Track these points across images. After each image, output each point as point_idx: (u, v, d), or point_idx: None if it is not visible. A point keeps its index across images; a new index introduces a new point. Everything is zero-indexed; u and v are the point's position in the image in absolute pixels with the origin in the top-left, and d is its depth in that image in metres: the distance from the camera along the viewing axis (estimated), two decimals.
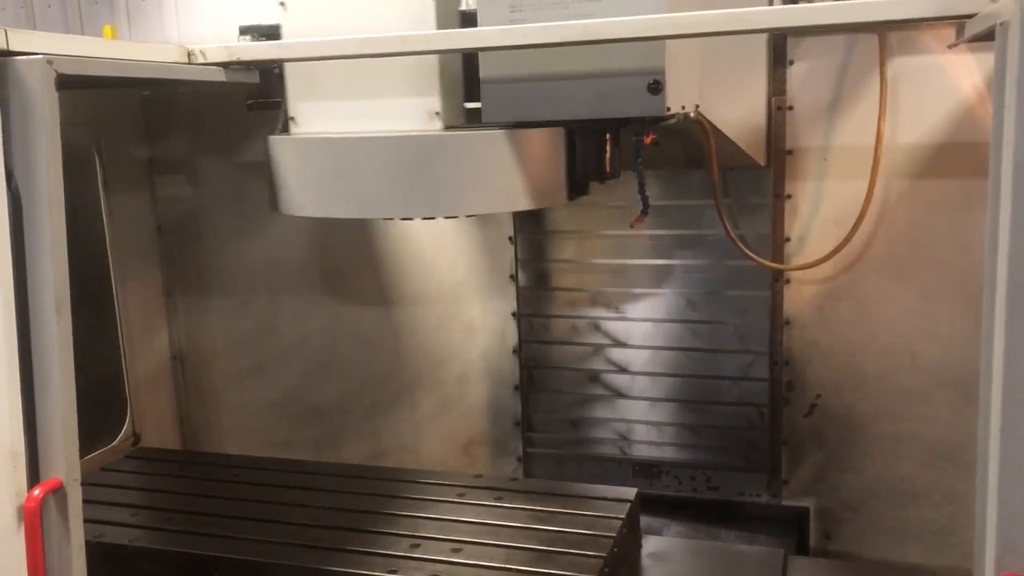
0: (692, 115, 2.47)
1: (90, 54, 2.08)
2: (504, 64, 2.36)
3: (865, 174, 3.01)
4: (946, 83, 2.94)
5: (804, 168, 3.15)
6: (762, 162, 3.11)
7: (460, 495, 3.06)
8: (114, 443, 3.70)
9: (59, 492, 1.91)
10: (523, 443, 3.71)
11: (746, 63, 3.03)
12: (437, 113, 2.42)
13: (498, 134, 2.35)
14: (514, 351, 3.65)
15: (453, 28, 2.40)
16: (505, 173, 2.37)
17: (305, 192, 2.46)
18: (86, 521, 1.98)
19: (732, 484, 3.47)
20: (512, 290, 3.61)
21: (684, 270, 3.39)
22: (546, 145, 2.46)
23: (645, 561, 3.00)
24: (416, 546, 2.71)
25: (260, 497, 3.12)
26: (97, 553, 2.20)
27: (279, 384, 4.00)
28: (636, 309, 3.47)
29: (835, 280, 3.19)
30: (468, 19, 2.46)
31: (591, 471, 3.62)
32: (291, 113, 2.60)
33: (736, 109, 2.95)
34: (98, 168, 3.67)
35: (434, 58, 2.39)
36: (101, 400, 3.74)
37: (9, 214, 1.84)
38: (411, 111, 2.44)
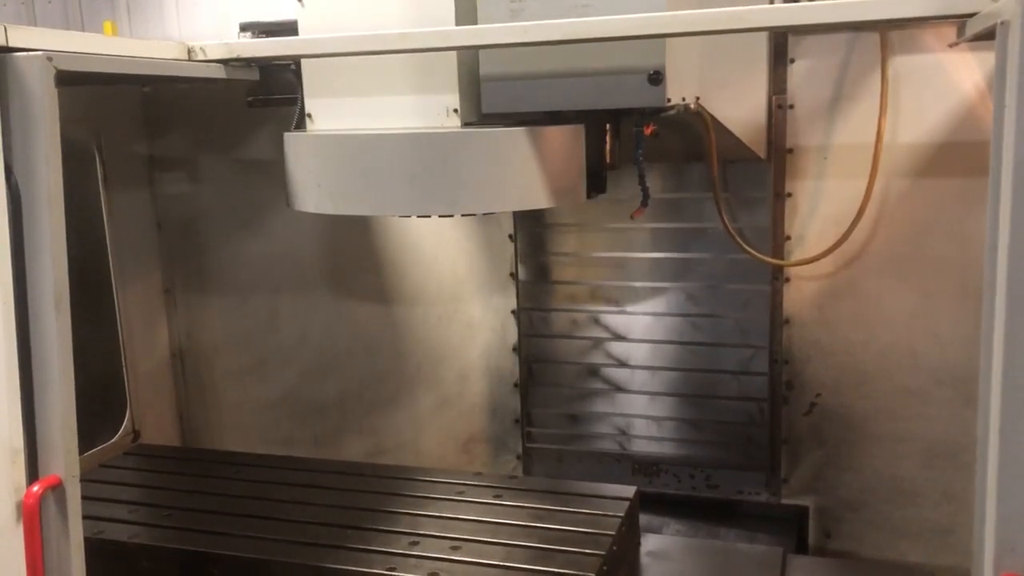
0: (692, 107, 2.47)
1: (90, 50, 2.08)
2: (505, 58, 2.35)
3: (865, 173, 3.01)
4: (947, 82, 2.94)
5: (804, 166, 3.15)
6: (763, 155, 3.10)
7: (459, 493, 3.06)
8: (114, 440, 3.70)
9: (58, 488, 1.91)
10: (523, 441, 3.71)
11: (747, 57, 3.02)
12: (455, 110, 2.41)
13: (518, 131, 2.34)
14: (514, 349, 3.65)
15: (472, 24, 2.39)
16: (524, 170, 2.36)
17: (322, 189, 2.45)
18: (85, 518, 1.99)
19: (732, 482, 3.48)
20: (512, 288, 3.61)
21: (684, 264, 3.38)
22: (566, 142, 2.45)
23: (644, 559, 3.00)
24: (415, 544, 2.71)
25: (259, 494, 3.12)
26: (96, 550, 2.20)
27: (279, 381, 4.00)
28: (636, 305, 3.47)
29: (835, 279, 3.19)
30: None
31: (590, 469, 3.63)
32: (308, 110, 2.60)
33: (737, 104, 2.94)
34: (98, 165, 3.67)
35: (452, 55, 2.38)
36: (101, 397, 3.74)
37: (9, 210, 1.84)
38: (429, 108, 2.44)
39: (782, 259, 3.21)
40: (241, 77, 2.64)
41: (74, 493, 1.94)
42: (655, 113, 2.43)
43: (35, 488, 1.88)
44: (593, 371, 3.58)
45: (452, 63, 2.40)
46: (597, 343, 3.55)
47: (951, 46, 2.88)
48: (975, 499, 1.72)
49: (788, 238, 3.21)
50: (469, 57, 2.43)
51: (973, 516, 1.73)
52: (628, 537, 2.91)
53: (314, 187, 2.47)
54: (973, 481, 1.73)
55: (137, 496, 3.19)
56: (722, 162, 3.07)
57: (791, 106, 3.11)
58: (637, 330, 3.49)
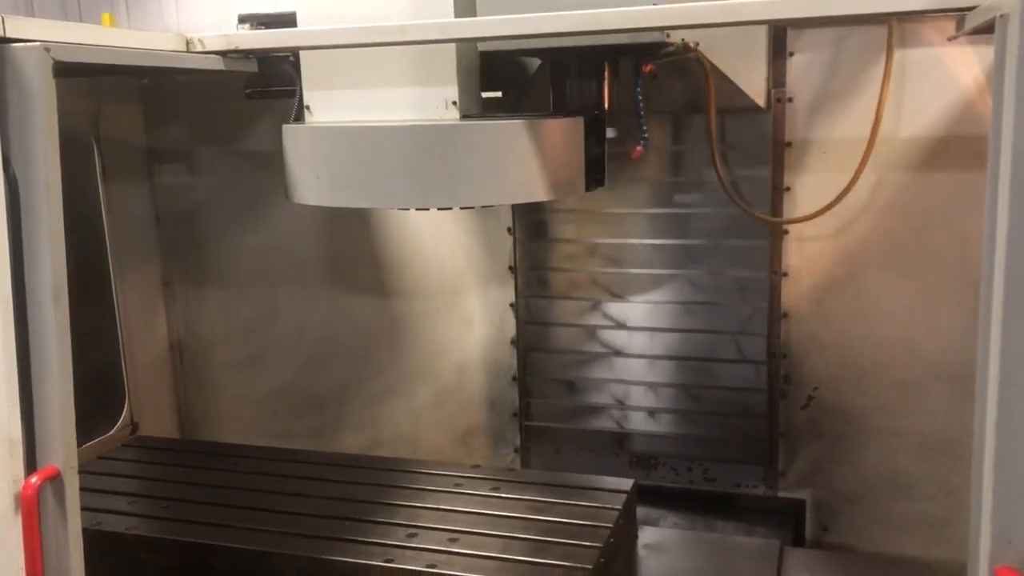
0: (692, 47, 2.44)
1: (88, 42, 2.08)
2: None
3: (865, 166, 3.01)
4: (946, 76, 2.93)
5: (803, 160, 3.14)
6: (762, 104, 3.05)
7: (457, 485, 3.07)
8: (112, 432, 3.71)
9: (56, 480, 1.91)
10: (521, 433, 3.71)
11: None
12: (454, 102, 2.41)
13: (516, 124, 2.34)
14: (512, 342, 3.65)
15: (471, 16, 2.38)
16: (523, 163, 2.36)
17: (320, 182, 2.45)
18: (84, 509, 1.99)
19: (729, 476, 3.48)
20: (511, 281, 3.61)
21: (684, 251, 3.37)
22: (565, 135, 2.45)
23: (641, 552, 3.01)
24: (413, 536, 2.72)
25: (258, 486, 3.13)
26: (94, 541, 2.21)
27: (278, 374, 4.00)
28: (636, 302, 3.46)
29: (833, 273, 3.19)
30: None
31: (588, 462, 3.63)
32: (306, 102, 2.59)
33: (736, 52, 2.87)
34: (96, 157, 3.66)
35: (451, 47, 2.38)
36: (99, 389, 3.75)
37: (7, 202, 1.84)
38: (428, 100, 2.44)
39: (781, 253, 3.21)
40: (239, 69, 2.63)
41: (72, 484, 1.94)
42: (654, 51, 2.41)
43: (33, 479, 1.88)
44: (591, 369, 3.58)
45: (451, 55, 2.39)
46: (596, 339, 3.55)
47: (950, 40, 2.87)
48: (971, 492, 1.72)
49: (787, 232, 3.20)
50: (468, 49, 2.42)
51: (969, 509, 1.73)
52: (625, 529, 2.92)
53: (313, 179, 2.47)
54: (969, 475, 1.73)
55: (135, 488, 3.20)
56: (721, 114, 3.04)
57: (790, 100, 3.11)
58: (634, 321, 3.48)
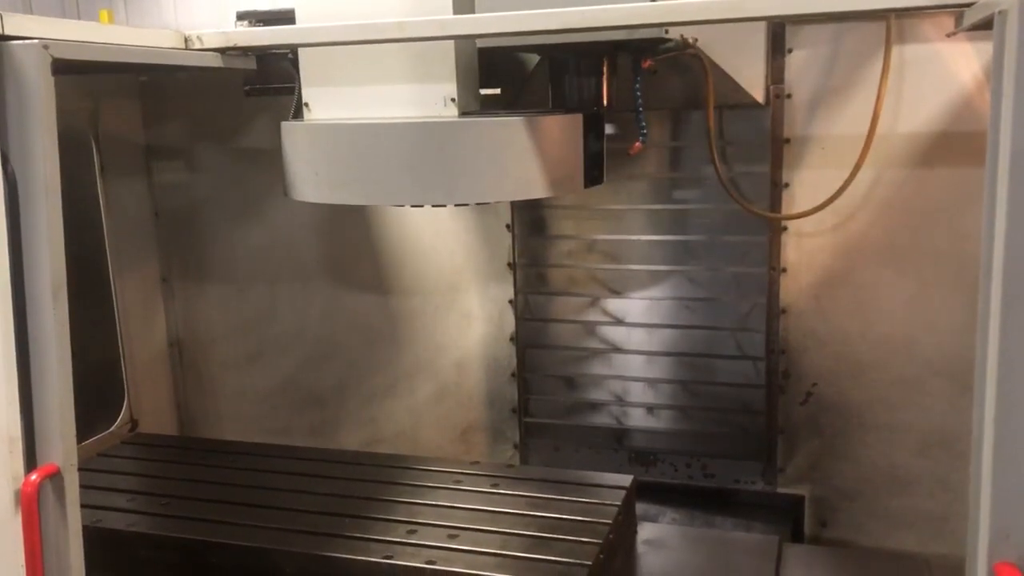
0: (691, 43, 2.44)
1: (86, 39, 2.08)
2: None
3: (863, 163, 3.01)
4: (944, 72, 2.93)
5: (802, 157, 3.14)
6: (761, 100, 3.05)
7: (457, 481, 3.07)
8: (111, 429, 3.71)
9: (56, 477, 1.91)
10: (520, 430, 3.72)
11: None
12: (453, 99, 2.41)
13: (515, 120, 2.34)
14: (511, 338, 3.65)
15: (469, 13, 2.38)
16: (522, 160, 2.36)
17: (319, 178, 2.45)
18: (84, 506, 1.99)
19: (728, 472, 3.49)
20: (510, 278, 3.61)
21: (683, 247, 3.38)
22: (563, 132, 2.45)
23: (641, 548, 3.01)
24: (413, 532, 2.72)
25: (257, 483, 3.13)
26: (94, 538, 2.21)
27: (277, 371, 4.00)
28: (634, 298, 3.47)
29: (832, 269, 3.19)
30: None
31: (587, 458, 3.63)
32: (305, 99, 2.59)
33: (735, 48, 2.88)
34: (95, 154, 3.66)
35: (449, 44, 2.38)
36: (98, 386, 3.75)
37: (6, 199, 1.84)
38: (427, 97, 2.44)
39: (780, 247, 3.22)
40: (238, 66, 2.63)
41: (72, 482, 1.94)
42: (653, 47, 2.41)
43: (33, 477, 1.88)
44: (590, 364, 3.58)
45: (450, 52, 2.39)
46: (594, 329, 3.55)
47: (949, 36, 2.87)
48: (970, 488, 1.72)
49: (785, 229, 3.20)
50: (466, 46, 2.42)
51: (968, 505, 1.73)
52: (625, 525, 2.92)
53: (311, 176, 2.47)
54: (968, 470, 1.74)
55: (135, 485, 3.20)
56: (719, 109, 3.04)
57: (789, 96, 3.11)
58: (633, 317, 3.48)
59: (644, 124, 2.64)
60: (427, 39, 2.31)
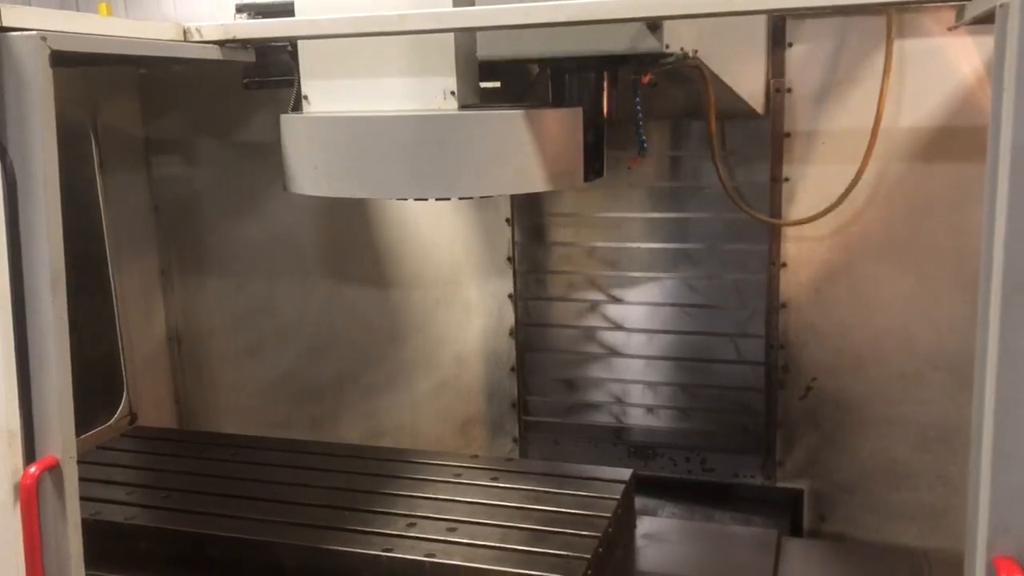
0: (691, 56, 2.44)
1: (85, 31, 2.07)
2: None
3: (863, 158, 3.00)
4: (945, 66, 2.93)
5: (802, 151, 3.14)
6: (761, 111, 3.06)
7: (456, 475, 3.07)
8: (111, 422, 3.71)
9: (55, 470, 1.91)
10: (519, 424, 3.72)
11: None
12: (453, 92, 2.40)
13: (515, 114, 2.33)
14: (511, 333, 3.65)
15: (470, 6, 2.37)
16: (522, 153, 2.35)
17: (318, 172, 2.44)
18: (83, 499, 1.99)
19: (727, 466, 3.49)
20: (509, 272, 3.60)
21: (682, 252, 3.38)
22: (564, 126, 2.44)
23: (640, 542, 3.01)
24: (412, 525, 2.72)
25: (256, 476, 3.13)
26: (94, 531, 2.21)
27: (276, 364, 4.00)
28: (633, 292, 3.47)
29: (832, 263, 3.19)
30: None
31: (587, 452, 3.64)
32: (304, 92, 2.58)
33: (736, 59, 2.87)
34: (94, 147, 3.65)
35: (449, 37, 2.37)
36: (98, 379, 3.75)
37: (4, 192, 1.84)
38: (426, 90, 2.42)
39: (779, 240, 3.21)
40: (237, 59, 2.62)
41: (71, 474, 1.94)
42: (653, 61, 2.41)
43: (32, 469, 1.88)
44: (590, 357, 3.58)
45: (449, 45, 2.38)
46: (594, 330, 3.55)
47: (950, 30, 2.87)
48: (969, 482, 1.73)
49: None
50: (466, 39, 2.41)
51: (967, 499, 1.73)
52: (624, 519, 2.93)
53: (310, 169, 2.46)
54: (967, 464, 1.74)
55: (134, 478, 3.20)
56: (720, 119, 3.04)
57: (789, 90, 3.10)
58: (633, 318, 3.49)
59: (644, 138, 2.64)
60: (426, 32, 2.30)
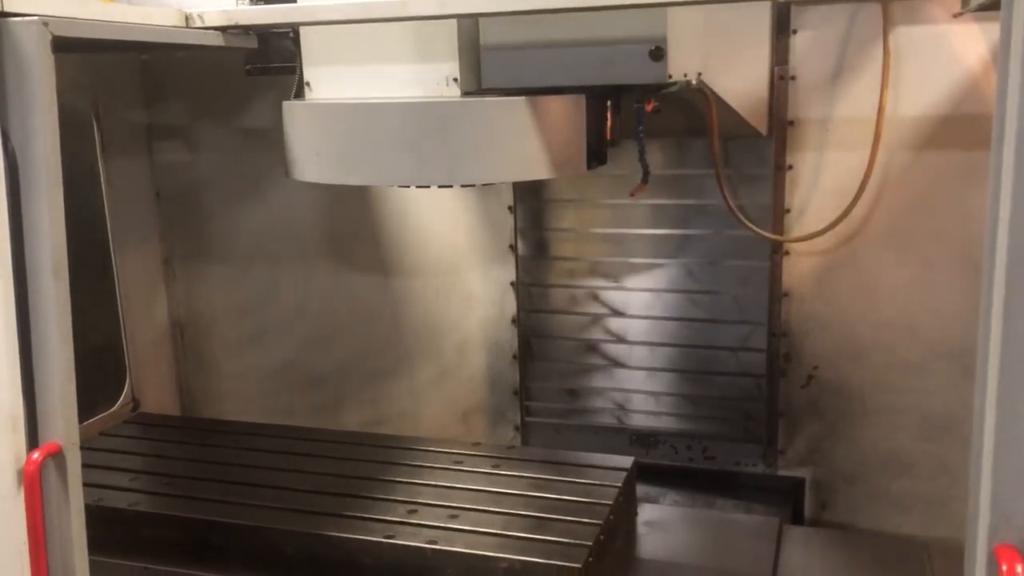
0: (694, 83, 2.45)
1: (86, 17, 2.06)
2: (505, 30, 2.34)
3: (867, 145, 2.99)
4: (951, 53, 2.91)
5: (806, 139, 3.13)
6: (764, 132, 3.09)
7: (458, 462, 3.08)
8: (113, 409, 3.72)
9: (58, 456, 1.91)
10: (521, 412, 3.72)
11: (749, 32, 3.00)
12: (455, 79, 2.39)
13: (518, 101, 2.32)
14: (513, 321, 3.65)
15: None
16: (524, 141, 2.34)
17: (320, 159, 2.43)
18: (86, 485, 1.99)
19: (728, 454, 3.49)
20: (511, 260, 3.60)
21: (684, 240, 3.38)
22: (566, 112, 2.43)
23: (641, 529, 3.02)
24: (413, 512, 2.73)
25: (259, 463, 3.14)
26: (96, 517, 2.21)
27: (279, 351, 4.00)
28: (635, 279, 3.47)
29: (835, 252, 3.18)
30: None
31: (588, 440, 3.64)
32: (306, 78, 2.57)
33: (739, 79, 2.92)
34: (96, 133, 3.65)
35: (452, 23, 2.35)
36: (100, 366, 3.75)
37: (6, 178, 1.83)
38: (429, 77, 2.40)
39: (782, 231, 3.21)
40: (239, 45, 2.62)
41: (74, 460, 1.94)
42: (656, 89, 2.41)
43: (35, 455, 1.89)
44: (592, 347, 3.58)
45: (452, 31, 2.37)
46: (596, 319, 3.55)
47: (955, 16, 2.85)
48: (970, 471, 1.73)
49: (788, 211, 3.20)
50: (469, 26, 2.40)
51: (968, 488, 1.73)
52: (625, 507, 2.93)
53: (312, 156, 2.46)
54: (969, 453, 1.73)
55: (137, 464, 3.21)
56: (723, 138, 3.05)
57: (793, 77, 3.09)
58: (636, 306, 3.48)
59: (647, 166, 2.64)
60: (429, 17, 2.29)
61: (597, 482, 2.88)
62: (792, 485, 3.41)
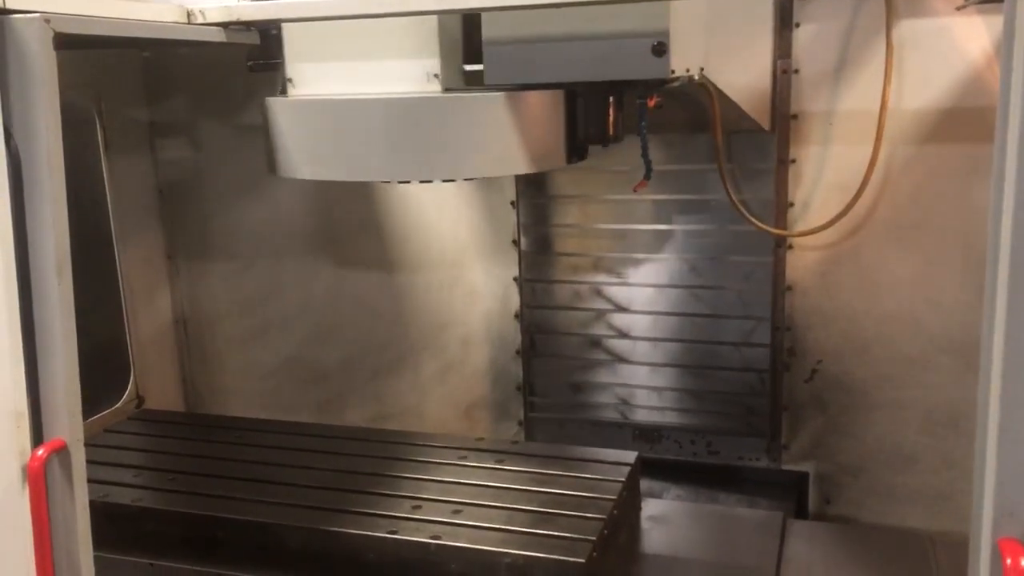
0: (697, 78, 2.45)
1: (88, 13, 2.06)
2: (507, 25, 2.33)
3: (870, 139, 2.99)
4: (954, 46, 2.90)
5: (809, 132, 3.13)
6: (767, 127, 3.09)
7: (461, 458, 3.08)
8: (118, 405, 3.72)
9: (63, 452, 1.92)
10: (524, 407, 3.72)
11: (752, 26, 2.99)
12: (436, 75, 2.39)
13: (497, 96, 2.32)
14: (516, 316, 3.65)
15: None
16: (504, 136, 2.34)
17: (302, 154, 2.44)
18: (90, 481, 2.00)
19: (732, 448, 3.49)
20: (514, 255, 3.60)
21: (687, 235, 3.38)
22: (545, 108, 2.43)
23: (645, 524, 3.02)
24: (417, 507, 2.73)
25: (263, 459, 3.14)
26: (101, 513, 2.23)
27: (282, 347, 4.01)
28: (638, 274, 3.47)
29: (838, 246, 3.18)
30: None
31: (592, 435, 3.64)
32: (289, 75, 2.57)
33: (742, 73, 2.92)
34: (99, 130, 3.65)
35: (433, 19, 2.35)
36: (104, 362, 3.76)
37: (9, 175, 1.83)
38: (410, 73, 2.41)
39: (785, 225, 3.20)
40: (241, 41, 2.61)
41: (79, 456, 1.95)
42: (659, 85, 2.41)
43: (40, 452, 1.89)
44: (595, 342, 3.58)
45: (433, 27, 2.37)
46: (599, 314, 3.55)
47: (959, 9, 2.84)
48: (974, 465, 1.72)
49: (792, 205, 3.20)
50: (450, 22, 2.40)
51: (972, 482, 1.73)
52: (629, 501, 2.93)
53: (295, 153, 2.46)
54: (973, 447, 1.73)
55: (141, 460, 3.22)
56: (726, 133, 3.05)
57: (796, 71, 3.08)
58: (639, 301, 3.49)
59: (650, 162, 2.64)
60: (432, 12, 2.29)
61: (601, 477, 2.88)
62: (796, 479, 3.41)
